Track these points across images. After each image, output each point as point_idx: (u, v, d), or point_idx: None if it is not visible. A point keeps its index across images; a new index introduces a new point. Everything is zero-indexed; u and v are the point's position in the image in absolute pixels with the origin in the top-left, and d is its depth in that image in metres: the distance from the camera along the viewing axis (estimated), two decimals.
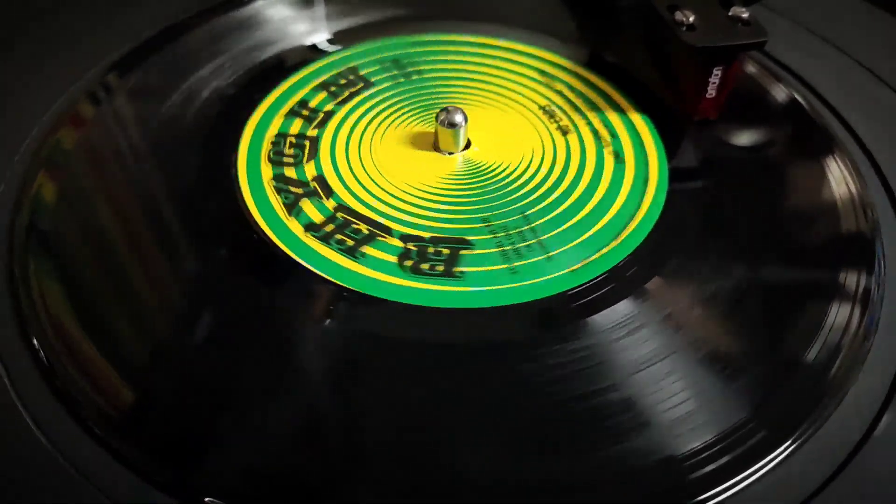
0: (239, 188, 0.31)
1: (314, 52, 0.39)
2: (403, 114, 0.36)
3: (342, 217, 0.30)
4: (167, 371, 0.26)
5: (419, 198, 0.32)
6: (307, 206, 0.31)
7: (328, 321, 0.27)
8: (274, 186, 0.31)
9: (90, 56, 0.38)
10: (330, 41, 0.40)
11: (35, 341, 0.26)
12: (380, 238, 0.30)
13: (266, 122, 0.35)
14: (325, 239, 0.29)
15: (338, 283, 0.28)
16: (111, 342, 0.26)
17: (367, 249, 0.29)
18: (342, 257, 0.29)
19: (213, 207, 0.31)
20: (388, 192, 0.32)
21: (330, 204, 0.31)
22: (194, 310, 0.28)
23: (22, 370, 0.25)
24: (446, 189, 0.32)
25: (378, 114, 0.35)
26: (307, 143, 0.34)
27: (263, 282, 0.28)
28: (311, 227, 0.30)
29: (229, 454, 0.24)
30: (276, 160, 0.33)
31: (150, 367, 0.26)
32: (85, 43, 0.39)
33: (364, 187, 0.32)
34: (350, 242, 0.29)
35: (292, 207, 0.31)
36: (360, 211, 0.31)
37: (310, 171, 0.32)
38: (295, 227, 0.30)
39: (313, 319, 0.27)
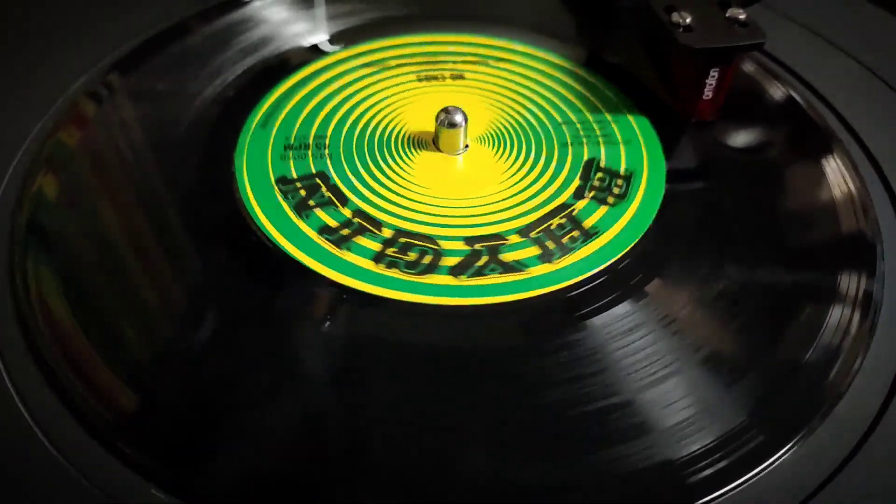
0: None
1: (315, 52, 0.39)
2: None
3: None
4: (169, 372, 0.26)
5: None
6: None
7: (330, 323, 0.27)
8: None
9: (90, 56, 0.38)
10: (330, 41, 0.40)
11: (36, 342, 0.26)
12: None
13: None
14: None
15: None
16: (112, 343, 0.26)
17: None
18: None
19: (213, 208, 0.31)
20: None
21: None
22: (195, 311, 0.28)
23: (22, 371, 0.26)
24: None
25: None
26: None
27: (265, 283, 0.28)
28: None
29: (231, 455, 0.24)
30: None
31: (151, 367, 0.26)
32: (85, 43, 0.39)
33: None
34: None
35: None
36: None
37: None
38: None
39: (315, 321, 0.27)
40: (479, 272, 0.28)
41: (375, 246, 0.29)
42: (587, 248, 0.30)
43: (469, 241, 0.30)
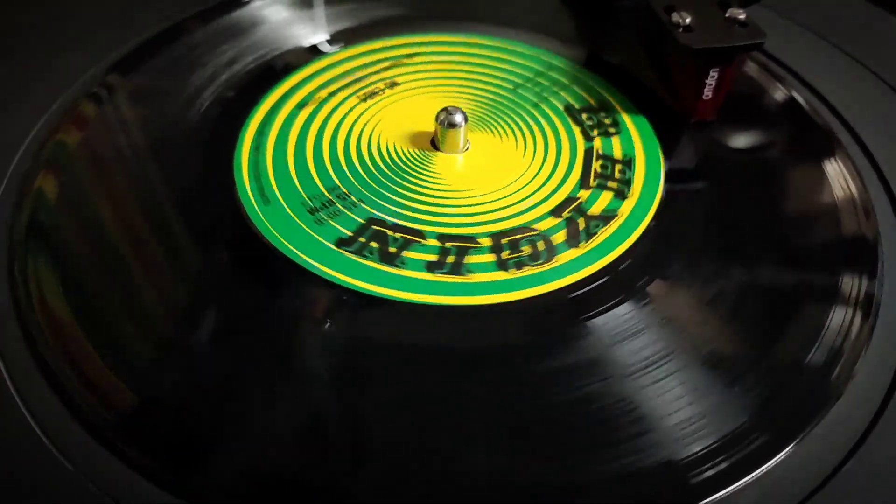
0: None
1: (313, 52, 0.39)
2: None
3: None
4: (168, 371, 0.26)
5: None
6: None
7: (329, 323, 0.27)
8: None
9: (90, 56, 0.38)
10: (329, 42, 0.40)
11: (36, 342, 0.26)
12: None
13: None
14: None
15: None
16: (112, 342, 0.26)
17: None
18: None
19: (213, 209, 0.31)
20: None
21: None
22: (195, 311, 0.28)
23: (22, 370, 0.26)
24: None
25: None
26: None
27: (265, 283, 0.28)
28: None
29: (231, 454, 0.24)
30: None
31: (151, 367, 0.26)
32: (85, 43, 0.39)
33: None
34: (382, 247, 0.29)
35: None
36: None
37: None
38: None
39: (314, 321, 0.27)
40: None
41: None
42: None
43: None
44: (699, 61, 0.33)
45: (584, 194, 0.32)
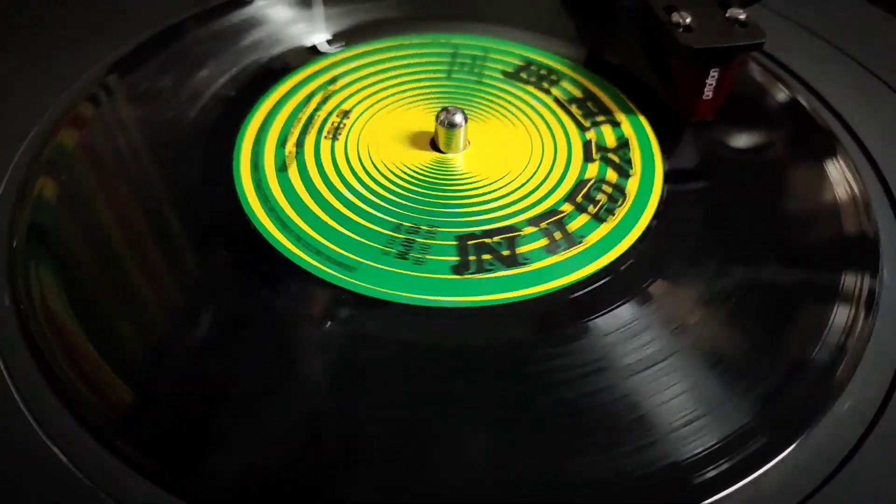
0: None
1: (314, 53, 0.39)
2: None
3: None
4: (168, 370, 0.26)
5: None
6: None
7: (328, 322, 0.27)
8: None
9: (90, 56, 0.38)
10: (329, 42, 0.40)
11: (36, 341, 0.26)
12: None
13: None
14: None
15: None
16: (112, 342, 0.26)
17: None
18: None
19: (214, 208, 0.31)
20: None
21: None
22: (195, 310, 0.28)
23: (22, 370, 0.26)
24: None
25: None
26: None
27: (264, 282, 0.28)
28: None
29: (230, 453, 0.24)
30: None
31: (150, 366, 0.26)
32: (85, 43, 0.39)
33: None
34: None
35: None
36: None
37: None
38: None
39: (314, 320, 0.27)
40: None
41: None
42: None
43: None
44: (699, 61, 0.33)
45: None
